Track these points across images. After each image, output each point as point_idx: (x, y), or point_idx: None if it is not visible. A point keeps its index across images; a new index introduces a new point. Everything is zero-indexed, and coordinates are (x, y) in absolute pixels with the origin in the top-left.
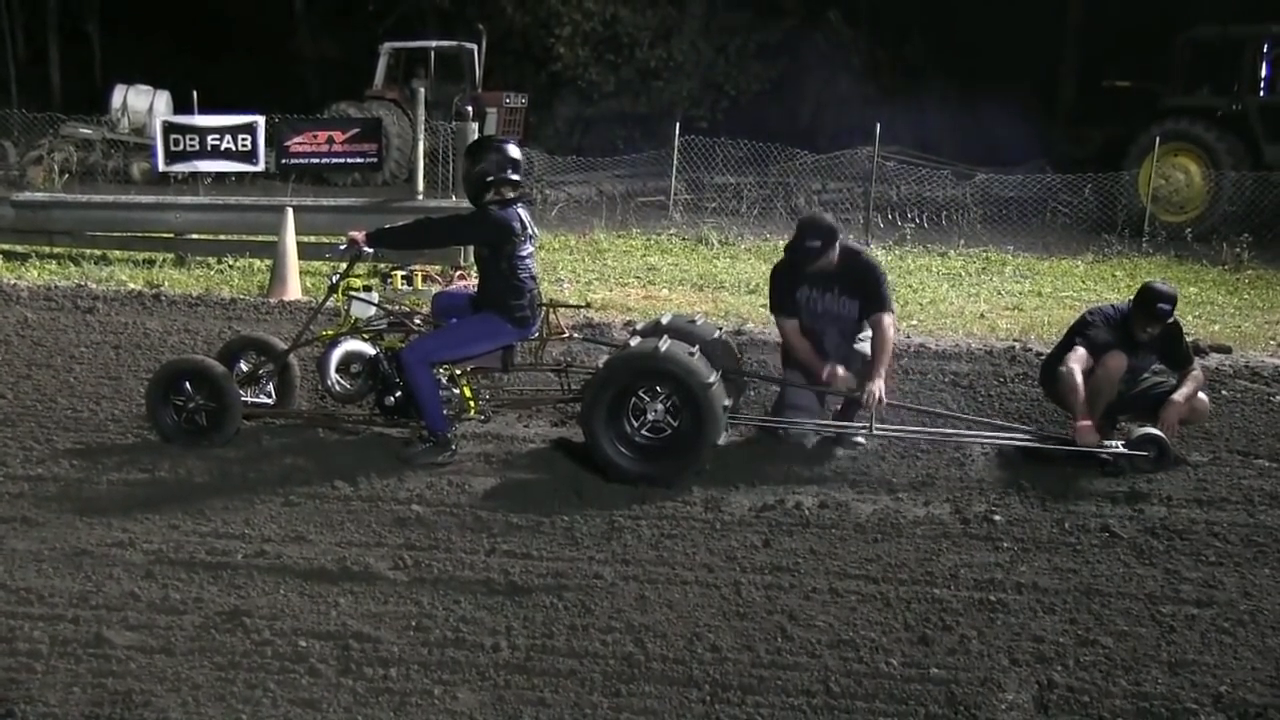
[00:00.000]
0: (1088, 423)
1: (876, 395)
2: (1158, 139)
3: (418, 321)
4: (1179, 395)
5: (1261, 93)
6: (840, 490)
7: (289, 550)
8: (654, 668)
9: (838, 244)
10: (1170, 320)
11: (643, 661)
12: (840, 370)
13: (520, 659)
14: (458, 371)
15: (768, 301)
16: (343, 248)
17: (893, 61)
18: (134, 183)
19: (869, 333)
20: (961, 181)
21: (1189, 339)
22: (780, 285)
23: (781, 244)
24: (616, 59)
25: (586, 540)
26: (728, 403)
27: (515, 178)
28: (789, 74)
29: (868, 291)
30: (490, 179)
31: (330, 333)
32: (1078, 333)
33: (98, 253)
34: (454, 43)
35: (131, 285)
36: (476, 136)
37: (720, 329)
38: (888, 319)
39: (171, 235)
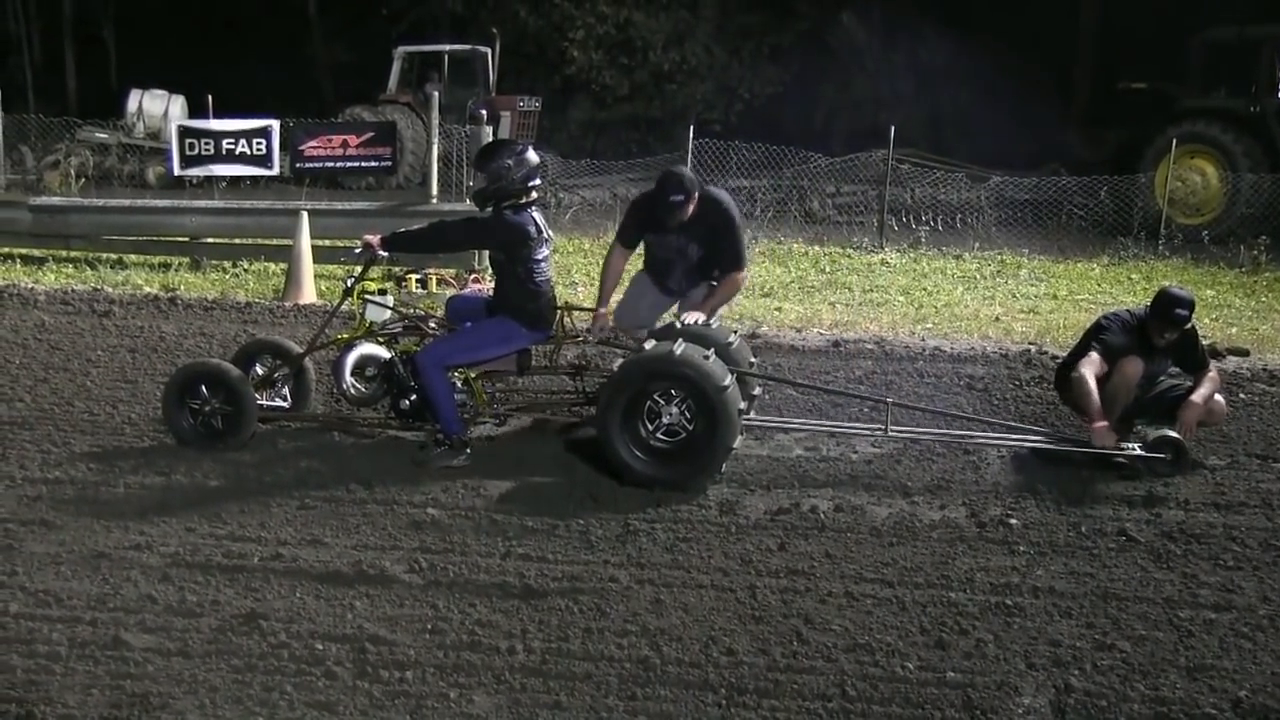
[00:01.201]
0: (1104, 423)
1: (687, 320)
2: (1174, 141)
3: (432, 325)
4: (1196, 397)
5: (1279, 94)
6: (855, 494)
7: (305, 553)
8: (669, 671)
9: (697, 196)
10: (1188, 325)
11: (658, 665)
12: (605, 313)
13: (535, 662)
14: (473, 375)
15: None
16: (358, 251)
17: (906, 64)
18: (149, 187)
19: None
20: (976, 184)
21: (1206, 342)
22: (632, 220)
23: (795, 247)
24: (630, 62)
25: (601, 544)
26: (743, 406)
27: (531, 181)
28: (802, 77)
29: (720, 242)
30: (505, 182)
31: (345, 336)
32: (1093, 338)
33: (114, 257)
34: (468, 46)
35: (147, 289)
36: (490, 140)
37: (735, 332)
38: (738, 276)
39: (187, 239)
